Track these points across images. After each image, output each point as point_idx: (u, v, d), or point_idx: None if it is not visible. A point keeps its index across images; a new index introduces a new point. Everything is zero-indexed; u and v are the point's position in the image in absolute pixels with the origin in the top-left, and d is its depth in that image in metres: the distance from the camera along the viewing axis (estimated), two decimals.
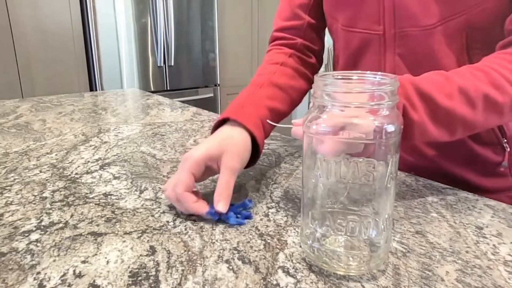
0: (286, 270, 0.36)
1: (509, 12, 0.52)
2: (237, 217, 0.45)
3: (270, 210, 0.48)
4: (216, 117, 1.03)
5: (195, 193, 0.47)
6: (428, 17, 0.55)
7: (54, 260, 0.38)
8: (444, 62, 0.57)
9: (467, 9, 0.53)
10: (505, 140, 0.61)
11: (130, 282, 0.34)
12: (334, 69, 0.75)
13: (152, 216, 0.47)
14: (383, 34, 0.60)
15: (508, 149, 0.61)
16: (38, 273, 0.36)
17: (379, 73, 0.37)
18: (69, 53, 2.32)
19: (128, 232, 0.43)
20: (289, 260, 0.38)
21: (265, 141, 0.79)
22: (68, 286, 0.34)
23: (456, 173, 0.63)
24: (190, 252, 0.39)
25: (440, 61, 0.57)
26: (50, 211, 0.48)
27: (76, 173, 0.61)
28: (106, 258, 0.38)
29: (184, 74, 2.75)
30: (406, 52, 0.59)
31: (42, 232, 0.43)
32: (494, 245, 0.40)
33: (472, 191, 0.62)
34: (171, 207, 0.49)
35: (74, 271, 0.36)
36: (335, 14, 0.67)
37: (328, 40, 0.80)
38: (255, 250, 0.39)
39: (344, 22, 0.65)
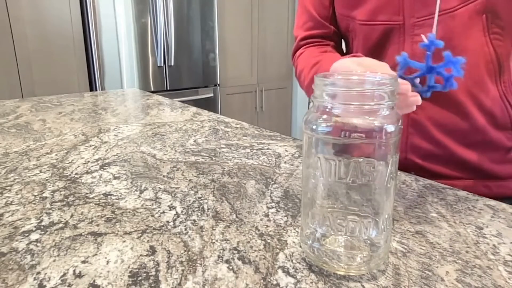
0: (286, 270, 0.36)
1: None
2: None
3: (270, 210, 0.48)
4: (216, 117, 1.03)
5: None
6: (449, 1, 0.57)
7: (54, 260, 0.38)
8: (464, 45, 0.58)
9: None
10: None
11: (130, 282, 0.34)
12: None
13: (152, 216, 0.47)
14: (402, 24, 0.62)
15: None
16: (38, 273, 0.36)
17: (379, 73, 0.37)
18: (69, 53, 2.32)
19: (128, 232, 0.43)
20: (289, 260, 0.38)
21: (265, 141, 0.79)
22: (68, 286, 0.34)
23: (469, 159, 0.63)
24: (190, 252, 0.39)
25: (460, 45, 0.58)
26: (50, 211, 0.48)
27: (76, 173, 0.61)
28: (106, 258, 0.38)
29: (184, 74, 2.75)
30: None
31: (42, 232, 0.43)
32: (494, 245, 0.40)
33: (484, 178, 0.63)
34: (171, 207, 0.49)
35: (74, 271, 0.36)
36: (351, 13, 0.68)
37: None
38: (255, 250, 0.39)
39: (364, 18, 0.66)
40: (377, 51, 0.67)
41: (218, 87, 2.98)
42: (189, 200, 0.51)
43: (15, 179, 0.59)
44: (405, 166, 0.67)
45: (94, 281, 0.35)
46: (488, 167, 0.63)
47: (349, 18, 0.69)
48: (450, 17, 0.57)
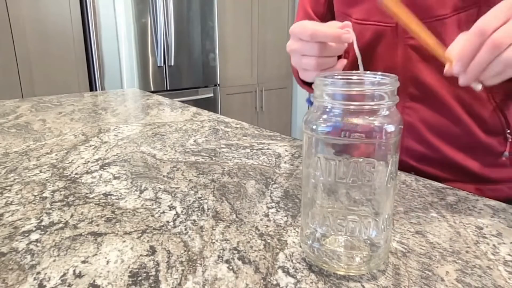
0: (286, 270, 0.36)
1: None
2: None
3: (270, 210, 0.48)
4: (216, 117, 1.03)
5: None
6: (443, 8, 0.58)
7: (54, 260, 0.38)
8: None
9: (479, 2, 0.56)
10: (508, 131, 0.63)
11: (130, 282, 0.34)
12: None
13: (152, 216, 0.47)
14: (395, 26, 0.62)
15: (510, 140, 0.63)
16: (38, 273, 0.36)
17: (379, 73, 0.37)
18: (69, 53, 2.32)
19: (128, 232, 0.43)
20: (289, 260, 0.38)
21: (265, 141, 0.79)
22: (68, 286, 0.34)
23: (462, 163, 0.64)
24: (190, 252, 0.39)
25: None
26: (50, 211, 0.48)
27: (76, 173, 0.61)
28: (106, 258, 0.38)
29: (184, 74, 2.75)
30: (418, 43, 0.60)
31: (42, 232, 0.43)
32: (494, 245, 0.40)
33: (476, 181, 0.64)
34: (171, 207, 0.49)
35: (74, 271, 0.36)
36: (348, 10, 0.69)
37: None
38: (255, 250, 0.39)
39: (358, 16, 0.66)
40: (370, 51, 0.67)
41: (218, 87, 2.98)
42: (189, 200, 0.51)
43: (15, 179, 0.59)
44: (399, 167, 0.67)
45: (94, 281, 0.35)
46: (480, 170, 0.64)
47: (346, 15, 0.69)
48: (441, 24, 0.59)
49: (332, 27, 0.49)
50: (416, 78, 0.62)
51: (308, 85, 0.70)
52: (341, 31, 0.47)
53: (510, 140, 0.63)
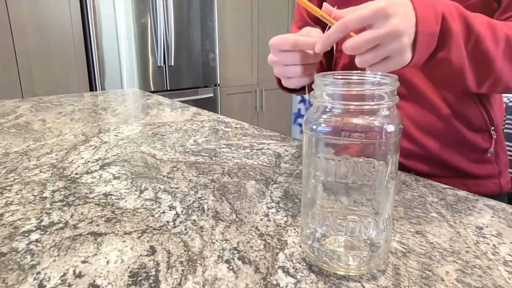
0: (286, 270, 0.36)
1: (492, 7, 0.58)
2: None
3: (270, 210, 0.48)
4: (216, 117, 1.03)
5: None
6: None
7: (54, 260, 0.38)
8: None
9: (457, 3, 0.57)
10: (493, 128, 0.65)
11: (130, 282, 0.34)
12: (334, 68, 0.78)
13: (152, 216, 0.47)
14: None
15: (495, 137, 0.65)
16: (38, 273, 0.36)
17: (379, 73, 0.37)
18: (69, 53, 2.32)
19: (128, 232, 0.43)
20: (289, 260, 0.38)
21: (265, 141, 0.79)
22: (68, 286, 0.34)
23: (448, 159, 0.66)
24: (190, 252, 0.39)
25: None
26: (50, 211, 0.48)
27: (76, 173, 0.61)
28: (106, 258, 0.38)
29: (184, 74, 2.75)
30: None
31: (42, 232, 0.43)
32: (494, 245, 0.40)
33: (462, 177, 0.66)
34: (171, 207, 0.49)
35: (74, 271, 0.36)
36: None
37: None
38: (255, 250, 0.39)
39: None
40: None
41: (218, 87, 2.98)
42: (189, 200, 0.51)
43: (15, 179, 0.59)
44: None
45: (94, 281, 0.35)
46: (466, 166, 0.66)
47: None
48: None
49: (312, 37, 0.52)
50: (403, 77, 0.63)
51: (290, 91, 0.71)
52: (318, 40, 0.49)
53: (494, 137, 0.65)
